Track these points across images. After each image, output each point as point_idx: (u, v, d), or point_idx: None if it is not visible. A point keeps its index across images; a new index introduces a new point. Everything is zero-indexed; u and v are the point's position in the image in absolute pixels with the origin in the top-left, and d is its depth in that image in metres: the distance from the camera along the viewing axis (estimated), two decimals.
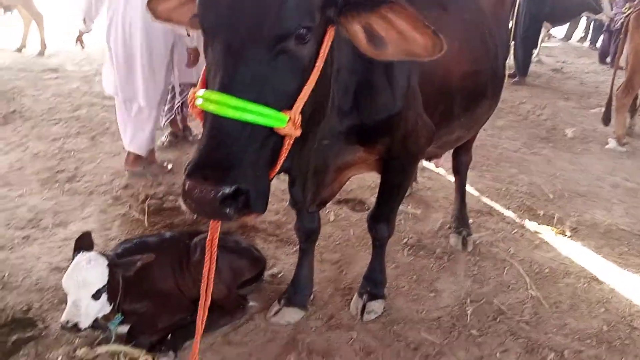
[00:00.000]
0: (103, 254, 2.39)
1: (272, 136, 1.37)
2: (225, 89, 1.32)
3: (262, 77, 1.35)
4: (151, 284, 2.55)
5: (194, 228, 3.30)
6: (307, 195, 2.21)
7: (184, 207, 1.35)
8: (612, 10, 10.17)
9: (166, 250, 2.61)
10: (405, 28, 1.45)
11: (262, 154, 1.38)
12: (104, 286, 2.28)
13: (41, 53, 8.48)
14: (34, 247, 3.23)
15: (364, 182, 4.32)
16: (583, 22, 13.95)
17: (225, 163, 1.29)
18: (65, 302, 2.67)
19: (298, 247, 2.86)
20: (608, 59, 10.62)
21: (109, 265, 2.31)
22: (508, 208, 4.11)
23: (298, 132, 1.40)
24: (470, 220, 3.72)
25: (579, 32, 14.28)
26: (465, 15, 2.61)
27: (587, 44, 13.84)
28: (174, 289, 2.61)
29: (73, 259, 2.32)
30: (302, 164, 1.95)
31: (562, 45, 13.38)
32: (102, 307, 2.31)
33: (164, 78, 4.06)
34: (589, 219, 4.04)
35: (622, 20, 9.72)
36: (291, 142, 1.41)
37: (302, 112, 1.41)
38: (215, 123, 1.33)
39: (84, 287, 2.24)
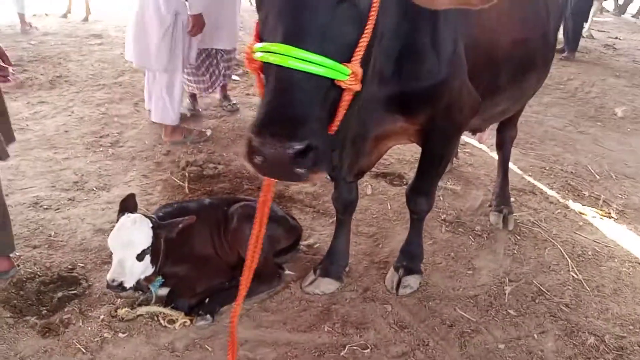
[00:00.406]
0: (147, 216, 2.44)
1: (333, 90, 1.33)
2: (289, 39, 1.27)
3: (325, 26, 1.30)
4: (191, 249, 2.60)
5: (233, 196, 3.33)
6: (345, 163, 2.18)
7: (250, 168, 1.30)
8: None
9: (205, 216, 2.64)
10: None
11: (325, 109, 1.33)
12: (148, 247, 2.34)
13: (85, 19, 8.63)
14: (78, 208, 3.32)
15: (403, 156, 4.27)
16: None
17: (295, 118, 1.24)
18: (110, 262, 2.80)
19: (335, 218, 2.85)
20: None
21: (153, 227, 2.36)
22: (552, 188, 3.99)
23: (358, 86, 1.35)
24: (512, 199, 3.63)
25: (634, 7, 13.58)
26: None
27: None
28: (212, 254, 2.66)
29: (118, 219, 2.38)
30: (342, 128, 1.92)
31: (614, 20, 12.77)
32: (146, 268, 2.38)
33: (169, 43, 3.98)
34: (637, 202, 3.89)
35: None
36: (350, 97, 1.36)
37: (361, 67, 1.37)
38: (280, 76, 1.27)
39: (129, 248, 2.30)
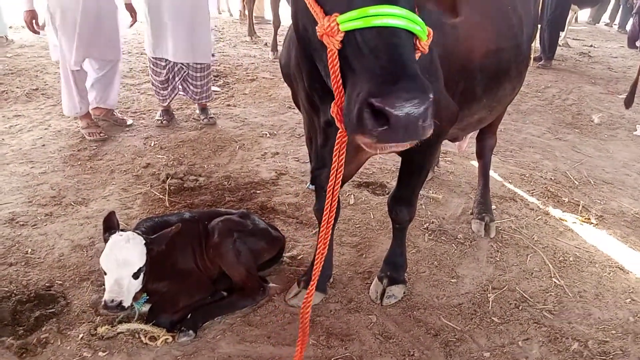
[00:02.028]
0: (138, 233, 2.39)
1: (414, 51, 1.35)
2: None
3: None
4: (173, 264, 2.56)
5: (213, 209, 3.29)
6: (324, 172, 2.18)
7: (365, 139, 1.26)
8: None
9: (186, 231, 2.60)
10: None
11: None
12: (144, 265, 2.30)
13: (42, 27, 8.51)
14: (56, 224, 3.25)
15: (385, 166, 4.27)
16: (611, 5, 13.55)
17: (416, 73, 1.23)
18: (88, 278, 2.75)
19: (317, 229, 2.84)
20: (638, 43, 10.33)
21: (146, 243, 2.32)
22: (532, 194, 4.03)
23: (427, 50, 1.37)
24: (493, 206, 3.66)
25: (606, 16, 13.90)
26: None
27: (615, 27, 13.49)
28: (193, 269, 2.62)
29: (106, 239, 2.33)
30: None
31: (589, 28, 13.05)
32: (139, 285, 2.34)
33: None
34: (615, 207, 3.95)
35: None
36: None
37: None
38: (391, 36, 1.26)
39: (125, 266, 2.26)
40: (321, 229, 1.69)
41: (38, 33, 4.22)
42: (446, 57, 2.14)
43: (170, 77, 4.74)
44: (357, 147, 2.18)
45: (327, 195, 1.61)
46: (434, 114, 1.24)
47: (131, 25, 4.64)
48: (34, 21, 4.15)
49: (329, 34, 1.30)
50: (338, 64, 1.33)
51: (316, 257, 1.73)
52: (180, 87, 4.87)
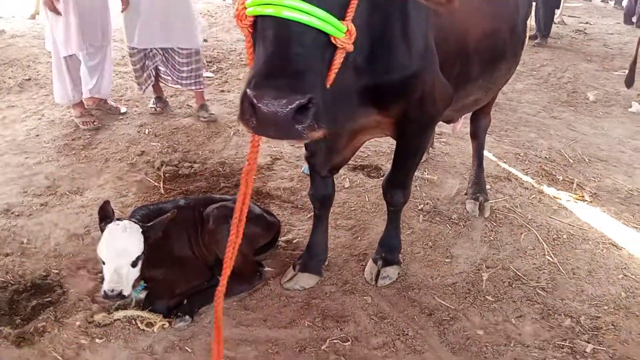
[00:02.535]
0: (135, 221, 2.40)
1: (329, 47, 1.30)
2: None
3: None
4: (169, 251, 2.57)
5: (209, 195, 3.30)
6: (319, 157, 2.18)
7: (245, 127, 1.24)
8: None
9: (182, 218, 2.61)
10: None
11: (323, 67, 1.30)
12: (142, 253, 2.31)
13: (33, 17, 8.42)
14: (51, 213, 3.26)
15: (380, 148, 4.28)
16: None
17: (297, 71, 1.20)
18: (84, 267, 2.77)
19: (313, 213, 2.85)
20: (634, 19, 10.26)
21: (143, 232, 2.33)
22: (526, 173, 4.04)
23: (352, 47, 1.33)
24: (487, 186, 3.67)
25: None
26: None
27: (611, 3, 13.38)
28: (189, 256, 2.63)
29: (102, 228, 2.33)
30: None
31: (585, 5, 12.94)
32: (137, 273, 2.35)
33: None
34: (610, 184, 3.96)
35: None
36: (342, 59, 1.33)
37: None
38: (278, 29, 1.23)
39: (124, 255, 2.27)
40: (230, 238, 1.65)
41: (60, 13, 4.11)
42: (442, 39, 2.14)
43: (143, 64, 4.66)
44: (351, 134, 2.19)
45: (240, 188, 1.60)
46: (321, 119, 1.22)
47: (122, 10, 4.57)
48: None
49: (239, 17, 1.30)
50: (251, 49, 1.33)
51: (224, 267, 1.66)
52: (154, 73, 4.76)
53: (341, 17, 1.30)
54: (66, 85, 4.41)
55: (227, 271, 1.65)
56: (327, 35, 1.27)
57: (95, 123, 4.51)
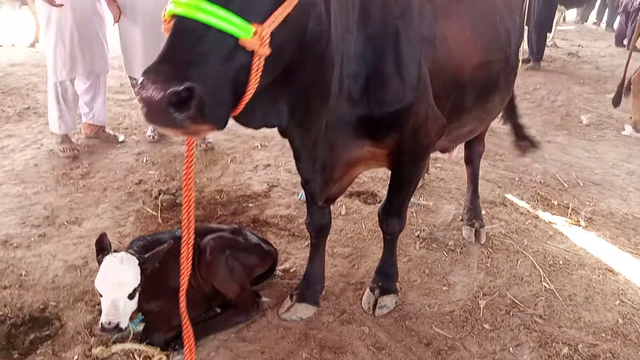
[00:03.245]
0: (132, 253, 2.41)
1: (238, 50, 1.31)
2: None
3: None
4: (165, 282, 2.57)
5: (205, 225, 3.31)
6: (315, 189, 2.21)
7: (142, 115, 1.27)
8: None
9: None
10: None
11: (227, 67, 1.31)
12: (139, 285, 2.32)
13: (32, 45, 8.53)
14: (49, 244, 3.27)
15: (376, 174, 4.31)
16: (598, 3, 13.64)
17: (180, 61, 1.23)
18: (82, 299, 2.77)
19: (310, 241, 2.87)
20: (625, 41, 10.42)
21: (140, 263, 2.34)
22: (522, 198, 4.08)
23: (266, 51, 1.34)
24: (483, 212, 3.69)
25: (594, 14, 14.00)
26: (477, 4, 2.58)
27: (603, 26, 13.59)
28: (187, 287, 2.63)
29: (99, 261, 2.35)
30: (308, 138, 1.95)
31: (577, 28, 13.15)
32: (134, 305, 2.36)
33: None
34: (605, 208, 3.99)
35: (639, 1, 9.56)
36: (261, 63, 1.35)
37: (277, 36, 1.36)
38: (179, 25, 1.28)
39: (121, 287, 2.27)
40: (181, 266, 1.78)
41: (60, 5, 4.12)
42: (437, 72, 2.18)
43: None
44: (346, 165, 2.23)
45: (183, 214, 1.69)
46: (207, 115, 1.24)
47: (115, 22, 4.58)
48: None
49: (164, 22, 1.34)
50: None
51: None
52: None
53: (257, 20, 1.33)
54: (53, 114, 4.47)
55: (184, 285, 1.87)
56: (230, 35, 1.29)
57: (75, 150, 4.54)
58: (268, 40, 1.33)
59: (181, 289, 1.82)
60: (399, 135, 2.18)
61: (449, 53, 2.25)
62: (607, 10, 13.60)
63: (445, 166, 4.58)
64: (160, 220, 3.58)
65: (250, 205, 3.85)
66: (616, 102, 5.71)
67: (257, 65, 1.34)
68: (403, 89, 2.05)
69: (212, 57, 1.27)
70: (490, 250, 3.36)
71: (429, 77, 2.16)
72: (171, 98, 1.17)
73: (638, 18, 8.21)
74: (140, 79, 1.21)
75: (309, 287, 2.76)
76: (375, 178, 4.27)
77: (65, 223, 3.52)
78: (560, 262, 3.26)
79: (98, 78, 4.68)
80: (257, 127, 1.79)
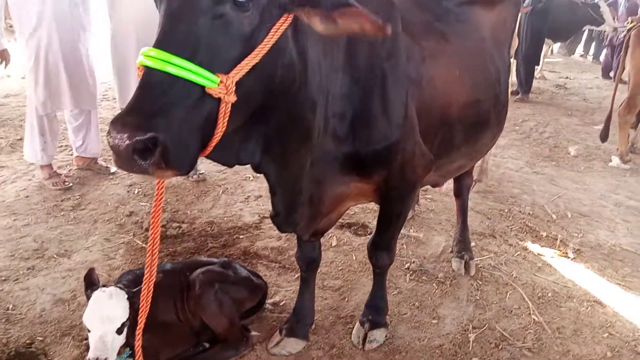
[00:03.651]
0: (120, 287, 2.41)
1: (205, 97, 1.38)
2: (159, 44, 1.36)
3: (195, 36, 1.38)
4: (154, 317, 2.54)
5: (195, 259, 3.32)
6: (301, 223, 2.22)
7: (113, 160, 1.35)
8: (614, 21, 10.23)
9: (168, 282, 2.62)
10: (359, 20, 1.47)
11: (193, 114, 1.37)
12: (127, 319, 2.31)
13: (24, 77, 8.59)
14: (38, 278, 3.26)
15: (367, 206, 4.34)
16: (585, 36, 13.98)
17: (146, 111, 1.30)
18: (69, 334, 2.75)
19: (300, 274, 2.87)
20: (611, 74, 10.65)
21: (128, 298, 2.34)
22: (511, 230, 4.11)
23: (232, 98, 1.40)
24: (473, 243, 3.72)
25: (581, 47, 14.32)
26: (466, 44, 2.63)
27: (590, 58, 13.89)
28: (175, 321, 2.63)
29: (88, 296, 2.34)
30: (287, 175, 1.97)
31: (564, 60, 13.42)
32: (122, 340, 2.34)
33: None
34: (593, 240, 4.03)
35: (624, 34, 9.80)
36: (227, 110, 1.41)
37: (243, 84, 1.43)
38: (145, 76, 1.35)
39: (109, 322, 2.26)
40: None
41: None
42: (425, 110, 2.23)
43: None
44: (334, 200, 2.25)
45: (148, 249, 1.74)
46: (171, 161, 1.30)
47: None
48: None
49: (139, 70, 1.41)
50: None
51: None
52: None
53: (223, 71, 1.40)
54: (35, 144, 4.47)
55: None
56: (196, 85, 1.36)
57: (65, 183, 4.55)
58: (233, 89, 1.40)
59: (138, 328, 1.88)
60: (385, 172, 2.21)
61: (435, 93, 2.30)
62: (593, 43, 13.93)
63: (435, 197, 4.62)
64: None
65: (241, 236, 3.86)
66: (604, 136, 5.82)
67: (224, 112, 1.42)
68: (389, 128, 2.09)
69: (177, 107, 1.34)
70: (480, 283, 3.37)
71: (417, 116, 2.20)
72: (136, 146, 1.25)
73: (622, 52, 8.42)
74: (109, 128, 1.29)
75: (298, 322, 2.75)
76: (366, 209, 4.30)
77: (55, 256, 3.51)
78: (549, 295, 3.28)
79: (89, 113, 4.73)
80: (230, 165, 1.83)
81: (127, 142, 1.24)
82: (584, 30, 11.82)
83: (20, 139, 5.67)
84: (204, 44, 1.38)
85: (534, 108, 8.10)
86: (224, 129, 1.44)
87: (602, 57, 12.39)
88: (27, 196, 4.38)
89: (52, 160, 4.64)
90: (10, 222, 3.94)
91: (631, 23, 9.87)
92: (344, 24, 1.48)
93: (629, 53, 5.79)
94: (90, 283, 2.40)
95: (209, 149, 1.46)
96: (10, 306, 2.97)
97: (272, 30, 1.49)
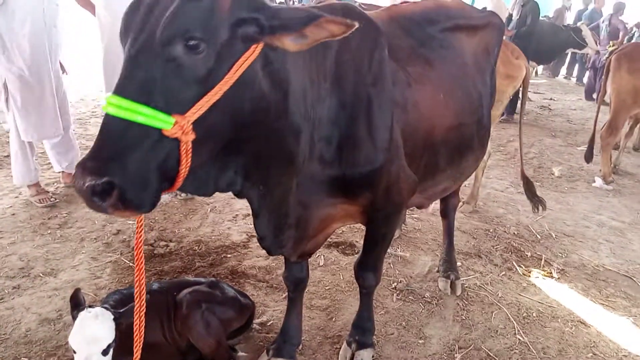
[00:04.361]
0: (107, 308, 2.40)
1: (163, 139, 1.42)
2: (116, 90, 1.42)
3: (150, 80, 1.42)
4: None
5: (182, 279, 3.31)
6: (287, 245, 2.24)
7: None
8: (596, 44, 10.47)
9: (155, 302, 2.62)
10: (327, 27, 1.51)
11: (152, 155, 1.42)
12: (113, 340, 2.29)
13: None
14: (24, 297, 3.23)
15: (354, 225, 4.36)
16: (568, 58, 14.26)
17: (102, 156, 1.38)
18: (55, 354, 2.73)
19: (287, 294, 2.88)
20: (594, 95, 10.88)
21: (114, 319, 2.33)
22: (496, 250, 4.16)
23: (189, 137, 1.44)
24: (459, 263, 3.76)
25: (564, 69, 14.60)
26: (449, 69, 2.67)
27: (573, 80, 14.16)
28: (162, 342, 2.62)
29: (74, 317, 2.33)
30: (270, 199, 1.99)
31: (549, 81, 13.67)
32: None
33: None
34: (576, 260, 4.09)
35: (606, 56, 10.06)
36: (188, 148, 1.45)
37: (205, 122, 1.46)
38: (105, 121, 1.42)
39: (95, 343, 2.24)
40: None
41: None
42: (409, 133, 2.28)
43: None
44: (320, 222, 2.28)
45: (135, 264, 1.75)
46: (128, 202, 1.37)
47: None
48: None
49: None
50: None
51: None
52: None
53: (182, 111, 1.44)
54: (30, 166, 4.51)
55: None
56: (152, 127, 1.41)
57: (52, 199, 4.56)
58: (190, 128, 1.44)
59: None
60: (371, 194, 2.25)
61: (420, 117, 2.36)
62: (576, 65, 14.22)
63: (421, 217, 4.67)
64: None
65: (229, 255, 3.86)
66: (588, 157, 5.94)
67: (185, 149, 1.46)
68: (375, 152, 2.13)
69: (134, 150, 1.40)
70: (466, 302, 3.40)
71: (402, 139, 2.25)
72: (94, 189, 1.33)
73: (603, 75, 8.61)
74: (74, 171, 1.38)
75: (285, 342, 2.76)
76: (354, 228, 4.32)
77: (41, 274, 3.48)
78: (534, 315, 3.32)
79: (67, 133, 4.75)
80: (207, 195, 1.85)
81: (86, 185, 1.33)
82: (568, 53, 12.08)
83: (7, 156, 5.64)
84: (158, 88, 1.43)
85: (518, 129, 8.20)
86: (188, 165, 1.48)
87: (585, 79, 12.66)
88: (13, 214, 4.35)
89: (38, 178, 4.63)
90: None
91: (612, 46, 10.16)
92: (313, 35, 1.52)
93: (610, 77, 5.94)
94: (76, 304, 2.39)
95: (177, 184, 1.51)
96: None
97: (235, 66, 1.51)
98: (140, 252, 1.75)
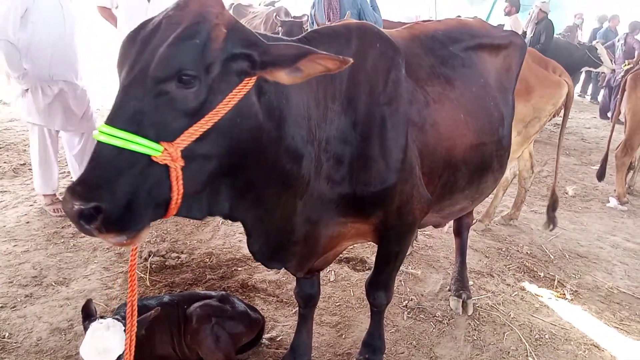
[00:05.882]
0: (118, 319, 2.41)
1: (152, 165, 1.46)
2: (108, 120, 1.46)
3: (141, 110, 1.46)
4: (151, 350, 2.57)
5: (193, 292, 3.31)
6: (293, 260, 2.24)
7: None
8: (612, 63, 10.41)
9: (166, 315, 2.63)
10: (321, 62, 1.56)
11: (141, 181, 1.46)
12: (123, 352, 2.30)
13: None
14: (35, 306, 3.25)
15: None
16: (583, 77, 14.20)
17: (90, 182, 1.42)
18: None
19: (298, 309, 2.88)
20: (609, 114, 10.80)
21: (126, 330, 2.34)
22: (509, 269, 4.12)
23: (179, 164, 1.48)
24: (471, 282, 3.73)
25: (579, 87, 14.52)
26: (471, 89, 2.64)
27: (588, 98, 14.09)
28: (172, 354, 2.62)
29: (85, 327, 2.34)
30: (269, 221, 2.00)
31: None
32: None
33: None
34: (590, 282, 4.04)
35: (621, 75, 10.01)
36: (179, 174, 1.48)
37: (196, 149, 1.51)
38: (96, 149, 1.45)
39: (105, 355, 2.25)
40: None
41: None
42: (428, 153, 2.27)
43: None
44: (331, 239, 2.28)
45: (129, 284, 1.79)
46: (114, 226, 1.41)
47: None
48: None
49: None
50: None
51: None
52: None
53: (168, 139, 1.47)
54: (52, 174, 4.60)
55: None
56: (142, 154, 1.44)
57: None
58: (179, 155, 1.48)
59: None
60: (383, 213, 2.24)
61: (439, 136, 2.34)
62: (591, 83, 14.16)
63: (434, 234, 4.64)
64: (148, 283, 3.57)
65: (240, 269, 3.87)
66: (600, 176, 5.89)
67: (176, 176, 1.49)
68: (387, 171, 2.12)
69: (123, 176, 1.44)
70: (477, 322, 3.37)
71: (420, 158, 2.24)
72: (81, 213, 1.38)
73: (619, 95, 8.56)
74: (64, 194, 1.43)
75: (295, 358, 2.75)
76: (365, 244, 4.31)
77: (53, 283, 3.51)
78: (547, 336, 3.28)
79: (86, 139, 4.80)
80: (198, 219, 1.87)
81: (74, 209, 1.38)
82: (582, 71, 12.03)
83: (24, 164, 5.73)
84: (148, 118, 1.47)
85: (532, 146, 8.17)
86: (180, 191, 1.51)
87: (599, 98, 12.59)
88: (27, 222, 4.40)
89: (56, 188, 4.69)
90: (10, 247, 3.95)
91: (628, 65, 10.11)
92: (307, 70, 1.56)
93: (625, 96, 5.90)
94: (88, 314, 2.41)
95: (172, 211, 1.54)
96: (7, 334, 2.96)
97: (227, 97, 1.55)
98: (134, 276, 1.78)
